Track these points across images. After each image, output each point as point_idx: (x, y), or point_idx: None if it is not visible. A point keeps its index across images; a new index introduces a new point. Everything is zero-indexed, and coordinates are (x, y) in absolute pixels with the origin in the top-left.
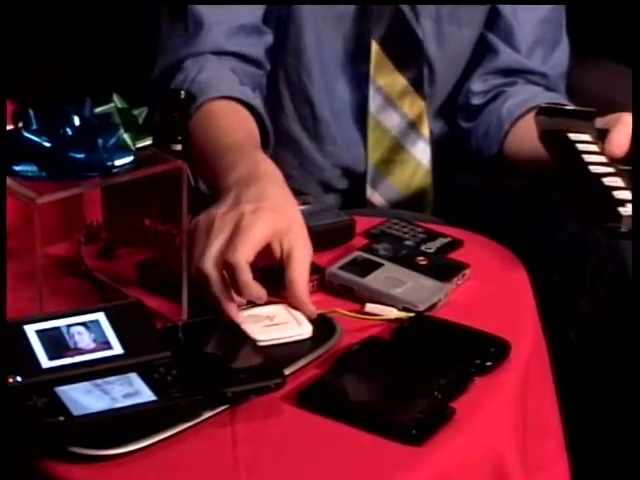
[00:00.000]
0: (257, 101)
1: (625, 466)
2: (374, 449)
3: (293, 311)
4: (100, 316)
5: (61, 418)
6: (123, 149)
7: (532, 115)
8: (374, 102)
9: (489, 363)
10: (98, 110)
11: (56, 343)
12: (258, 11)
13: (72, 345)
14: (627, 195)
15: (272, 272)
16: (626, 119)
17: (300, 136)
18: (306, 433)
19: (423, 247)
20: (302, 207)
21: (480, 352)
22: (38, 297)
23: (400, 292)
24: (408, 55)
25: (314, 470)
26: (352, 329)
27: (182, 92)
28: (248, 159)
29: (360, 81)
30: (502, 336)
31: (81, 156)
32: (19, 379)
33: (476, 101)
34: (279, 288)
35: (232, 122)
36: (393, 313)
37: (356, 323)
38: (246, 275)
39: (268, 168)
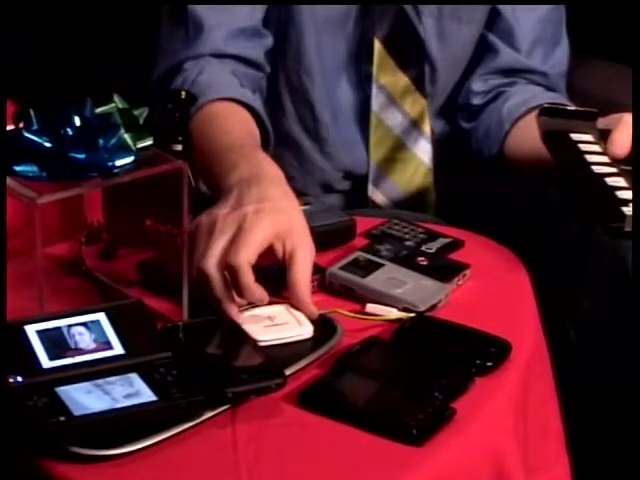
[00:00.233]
0: (257, 103)
1: (625, 466)
2: (375, 449)
3: (294, 311)
4: (101, 316)
5: (62, 418)
6: (124, 149)
7: (532, 115)
8: (377, 101)
9: (490, 363)
10: (99, 110)
11: (57, 343)
12: (258, 14)
13: (73, 345)
14: (630, 195)
15: (273, 272)
16: (628, 119)
17: (301, 138)
18: (307, 433)
19: (424, 247)
20: (303, 207)
21: (481, 352)
22: (39, 297)
23: (401, 292)
24: (410, 54)
25: (315, 470)
26: (353, 329)
27: (182, 92)
28: (249, 159)
29: (362, 81)
30: (503, 336)
31: (82, 156)
32: (20, 379)
33: (476, 101)
34: (280, 288)
35: (233, 123)
36: (394, 313)
37: (357, 323)
38: (248, 277)
39: (270, 168)
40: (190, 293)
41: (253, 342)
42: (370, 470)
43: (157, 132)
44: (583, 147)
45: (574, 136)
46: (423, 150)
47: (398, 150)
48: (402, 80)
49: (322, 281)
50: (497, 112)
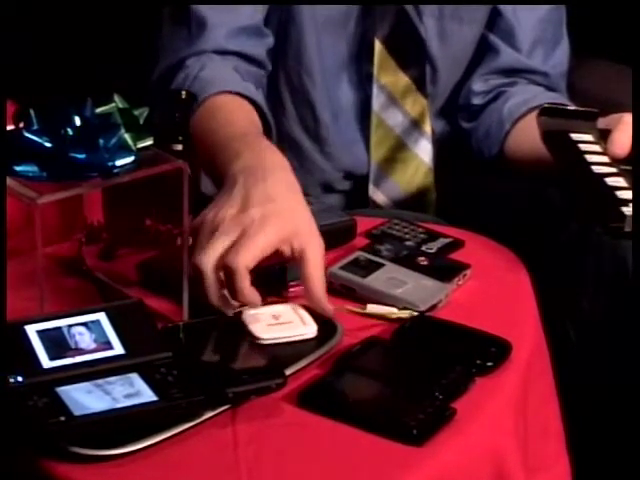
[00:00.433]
0: (260, 97)
1: (625, 466)
2: (375, 449)
3: (299, 310)
4: (101, 316)
5: (62, 418)
6: (124, 149)
7: (533, 115)
8: (377, 100)
9: (490, 363)
10: (99, 110)
11: (57, 343)
12: (259, 14)
13: (73, 345)
14: (630, 195)
15: (274, 272)
16: (628, 119)
17: (301, 138)
18: (307, 433)
19: (424, 247)
20: None
21: (481, 352)
22: (39, 297)
23: (401, 292)
24: (411, 54)
25: (315, 470)
26: (353, 329)
27: (183, 92)
28: (253, 147)
29: (363, 81)
30: (503, 336)
31: (82, 156)
32: (20, 379)
33: (477, 101)
34: (281, 288)
35: (236, 114)
36: (394, 313)
37: (357, 323)
38: (244, 281)
39: (274, 157)
40: (190, 293)
41: (254, 342)
42: (370, 470)
43: (157, 132)
44: (583, 147)
45: (574, 136)
46: (424, 150)
47: (399, 150)
48: (403, 80)
49: None
50: (497, 112)
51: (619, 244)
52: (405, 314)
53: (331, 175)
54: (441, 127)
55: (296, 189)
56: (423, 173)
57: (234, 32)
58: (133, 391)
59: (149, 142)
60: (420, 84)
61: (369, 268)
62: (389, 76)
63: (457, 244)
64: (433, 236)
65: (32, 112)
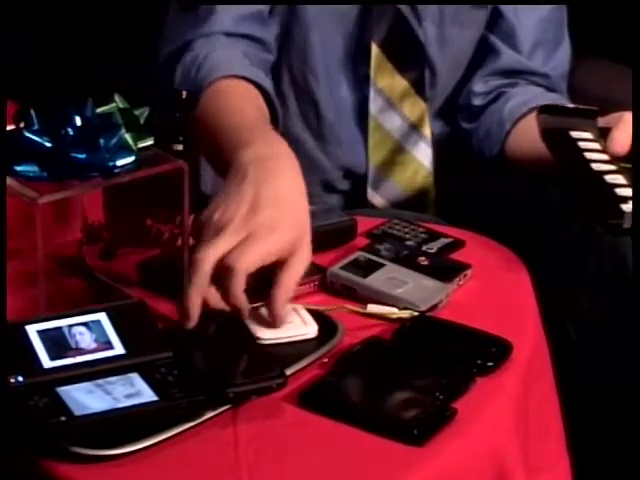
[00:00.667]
0: (267, 83)
1: (626, 466)
2: (375, 449)
3: (301, 310)
4: (101, 316)
5: (63, 418)
6: (124, 149)
7: (533, 115)
8: (375, 104)
9: (490, 363)
10: (99, 110)
11: (57, 343)
12: (265, 7)
13: (73, 345)
14: (629, 192)
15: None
16: (628, 118)
17: (304, 136)
18: (308, 433)
19: (424, 247)
20: None
21: (481, 352)
22: (39, 297)
23: (401, 292)
24: (409, 57)
25: (316, 470)
26: (353, 329)
27: (184, 92)
28: (260, 138)
29: (361, 82)
30: (503, 336)
31: (82, 156)
32: (20, 379)
33: (477, 102)
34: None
35: (244, 100)
36: (395, 313)
37: (357, 323)
38: (239, 283)
39: (281, 148)
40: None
41: (254, 341)
42: (371, 470)
43: (158, 132)
44: (583, 145)
45: (574, 134)
46: (423, 153)
47: (397, 153)
48: (400, 83)
49: (323, 281)
50: (498, 113)
51: (619, 243)
52: (406, 314)
53: (331, 174)
54: (440, 127)
55: (303, 190)
56: (422, 176)
57: (242, 17)
58: (134, 391)
59: (149, 142)
60: (419, 88)
61: (369, 268)
62: (386, 79)
63: (457, 244)
64: (434, 236)
65: (32, 112)
